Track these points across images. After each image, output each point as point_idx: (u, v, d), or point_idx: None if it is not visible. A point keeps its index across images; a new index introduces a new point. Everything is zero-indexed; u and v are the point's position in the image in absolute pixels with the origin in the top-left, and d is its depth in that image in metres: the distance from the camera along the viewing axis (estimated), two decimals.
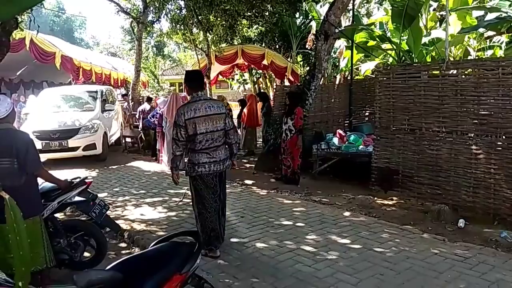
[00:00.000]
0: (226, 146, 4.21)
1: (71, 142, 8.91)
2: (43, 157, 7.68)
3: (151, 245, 2.47)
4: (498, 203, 5.02)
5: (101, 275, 1.87)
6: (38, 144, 8.03)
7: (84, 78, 13.31)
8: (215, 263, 3.99)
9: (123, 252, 4.49)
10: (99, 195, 6.24)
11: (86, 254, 4.07)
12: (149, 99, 11.71)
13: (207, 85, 14.81)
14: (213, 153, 4.06)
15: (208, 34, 12.83)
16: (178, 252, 2.35)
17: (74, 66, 12.85)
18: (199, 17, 12.03)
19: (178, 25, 12.82)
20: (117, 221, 4.92)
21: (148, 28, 13.57)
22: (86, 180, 3.95)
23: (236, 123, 12.48)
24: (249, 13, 11.38)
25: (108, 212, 4.21)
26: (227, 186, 6.94)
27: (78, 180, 3.90)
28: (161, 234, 4.70)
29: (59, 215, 4.63)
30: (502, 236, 4.56)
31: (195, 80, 4.17)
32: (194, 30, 13.60)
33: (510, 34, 9.50)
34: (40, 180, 3.45)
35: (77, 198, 3.86)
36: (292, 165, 7.26)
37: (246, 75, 21.47)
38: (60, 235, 3.78)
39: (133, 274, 2.04)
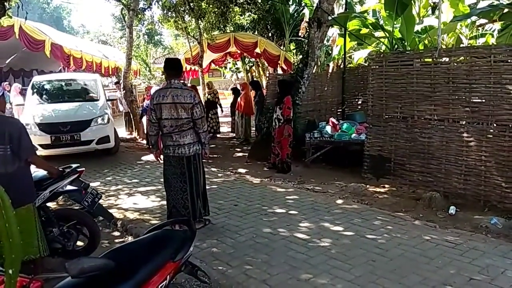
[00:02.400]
0: (194, 131, 4.36)
1: (84, 135, 8.05)
2: (53, 152, 7.67)
3: (144, 233, 2.47)
4: (488, 190, 5.08)
5: (94, 263, 1.86)
6: (46, 139, 7.75)
7: (74, 67, 13.14)
8: (208, 251, 4.01)
9: (117, 241, 4.49)
10: (91, 184, 6.22)
11: (79, 243, 4.06)
12: (117, 83, 11.69)
13: (200, 73, 14.73)
14: (177, 137, 4.29)
15: (200, 21, 12.70)
16: (171, 240, 2.35)
17: (64, 54, 12.65)
18: (191, 4, 11.89)
19: (169, 12, 12.67)
20: (110, 210, 4.93)
21: (139, 16, 13.38)
22: (78, 169, 3.92)
23: (229, 112, 12.47)
24: (241, 0, 11.26)
25: (101, 201, 4.20)
26: (220, 174, 7.06)
27: (70, 169, 3.87)
28: (154, 222, 4.71)
29: (51, 204, 4.62)
30: (492, 223, 4.63)
31: (171, 68, 4.38)
32: (186, 17, 13.45)
33: (502, 22, 9.50)
34: (32, 169, 3.41)
35: (69, 187, 3.83)
36: (280, 154, 7.27)
37: (239, 64, 21.37)
38: (52, 224, 3.77)
39: (126, 262, 2.04)
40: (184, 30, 13.30)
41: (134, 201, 5.70)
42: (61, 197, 4.94)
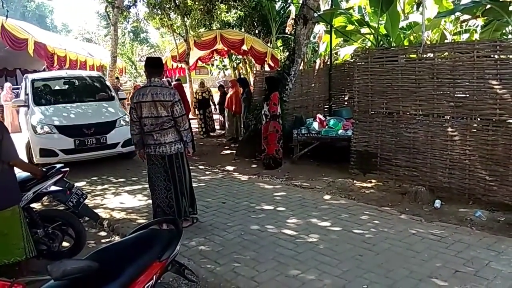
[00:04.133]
0: (176, 130, 4.34)
1: (110, 138, 7.34)
2: (77, 158, 7.09)
3: (129, 233, 2.45)
4: (473, 183, 5.15)
5: (77, 265, 1.83)
6: (69, 143, 6.97)
7: (58, 65, 12.94)
8: (196, 249, 3.99)
9: (103, 241, 4.45)
10: (77, 184, 6.15)
11: (64, 244, 4.02)
12: None
13: (187, 70, 14.65)
14: (157, 135, 4.27)
15: (186, 18, 12.61)
16: (157, 239, 2.33)
17: (48, 52, 12.48)
18: (177, 1, 11.80)
19: (155, 10, 12.56)
20: (96, 210, 4.88)
21: (125, 13, 13.24)
22: (62, 169, 3.86)
23: (218, 109, 12.41)
24: None
25: (86, 201, 4.15)
26: (207, 172, 7.03)
27: (54, 169, 3.82)
28: (141, 222, 4.67)
29: (36, 205, 4.55)
30: (476, 216, 4.71)
31: (152, 66, 4.38)
32: (172, 14, 13.34)
33: (485, 18, 9.63)
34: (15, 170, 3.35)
35: (53, 188, 3.78)
36: (267, 150, 7.30)
37: (226, 61, 21.29)
38: (37, 225, 3.72)
39: (110, 262, 2.02)
40: (170, 27, 13.20)
41: (120, 200, 5.65)
42: (45, 198, 4.88)
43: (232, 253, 3.89)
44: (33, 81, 8.42)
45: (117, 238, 4.47)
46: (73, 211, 3.91)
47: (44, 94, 8.44)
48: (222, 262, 3.72)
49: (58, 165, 3.93)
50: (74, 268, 1.80)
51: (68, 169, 3.98)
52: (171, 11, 12.88)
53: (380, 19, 9.19)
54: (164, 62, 15.28)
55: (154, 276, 2.20)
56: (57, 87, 9.20)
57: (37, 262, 3.65)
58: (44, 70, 15.45)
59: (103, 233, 4.72)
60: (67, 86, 9.16)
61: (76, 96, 8.57)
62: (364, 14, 11.96)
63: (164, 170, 4.36)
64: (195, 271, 3.42)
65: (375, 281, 3.30)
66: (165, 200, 4.41)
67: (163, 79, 6.76)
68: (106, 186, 6.38)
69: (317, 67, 13.06)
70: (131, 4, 12.87)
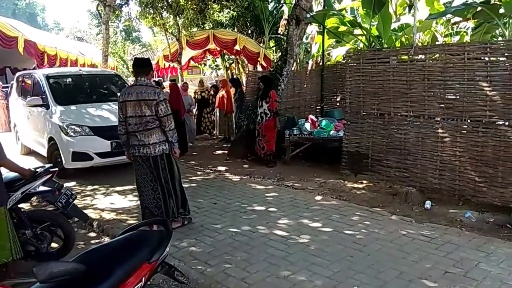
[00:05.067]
0: (161, 130, 4.25)
1: None
2: (112, 162, 6.63)
3: (119, 234, 2.42)
4: (462, 184, 5.19)
5: (63, 267, 1.81)
6: (105, 145, 6.51)
7: (48, 64, 12.80)
8: (187, 250, 3.97)
9: (93, 242, 4.40)
10: (67, 184, 6.10)
11: (53, 245, 3.97)
12: None
13: (179, 70, 14.58)
14: (141, 136, 4.20)
15: (178, 18, 12.55)
16: (147, 240, 2.31)
17: (38, 51, 12.33)
18: (169, 0, 11.74)
19: (147, 9, 12.48)
20: (86, 211, 4.85)
21: (116, 12, 13.14)
22: (51, 169, 3.82)
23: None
24: None
25: (76, 202, 4.11)
26: (199, 172, 7.00)
27: (42, 169, 3.77)
28: (131, 222, 4.63)
29: (25, 206, 4.49)
30: (466, 217, 4.75)
31: (138, 66, 4.36)
32: (164, 14, 13.27)
33: (476, 20, 9.72)
34: (2, 170, 3.31)
35: (42, 188, 3.74)
36: (266, 147, 7.40)
37: (219, 61, 21.23)
38: (25, 226, 3.66)
39: (98, 264, 1.99)
40: (162, 26, 13.13)
41: (111, 201, 5.60)
42: (34, 198, 4.82)
43: (223, 254, 3.88)
44: (47, 77, 7.53)
45: (107, 239, 4.42)
46: (62, 211, 3.86)
47: (64, 93, 7.62)
48: (213, 263, 3.70)
49: (46, 165, 3.88)
50: (60, 270, 1.77)
51: (57, 169, 3.94)
52: (163, 10, 12.80)
53: (372, 20, 9.23)
54: (156, 61, 15.32)
55: (143, 278, 2.17)
56: (74, 85, 8.19)
57: (24, 264, 3.60)
58: (34, 68, 15.28)
59: (92, 234, 4.67)
60: (86, 84, 8.30)
61: (98, 95, 7.94)
62: (357, 16, 12.02)
63: (150, 171, 4.31)
64: (186, 273, 3.42)
65: (365, 282, 3.31)
66: (153, 201, 4.36)
67: (152, 79, 6.72)
68: (96, 186, 6.32)
69: (309, 67, 13.09)
70: (123, 3, 12.77)
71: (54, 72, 8.24)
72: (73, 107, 7.07)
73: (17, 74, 9.46)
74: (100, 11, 12.05)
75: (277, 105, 7.41)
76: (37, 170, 3.74)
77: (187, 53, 15.11)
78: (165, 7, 12.34)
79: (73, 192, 4.11)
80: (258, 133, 7.53)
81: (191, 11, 11.67)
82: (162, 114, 4.16)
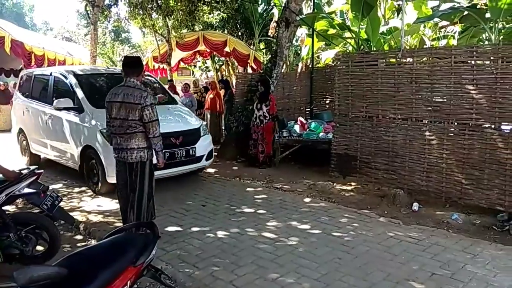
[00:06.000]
0: (143, 136, 4.01)
1: (198, 149, 6.15)
2: (164, 175, 5.48)
3: (104, 237, 2.39)
4: (449, 186, 5.24)
5: (44, 271, 1.77)
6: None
7: (36, 64, 12.65)
8: (175, 253, 3.94)
9: (79, 244, 4.35)
10: (52, 186, 6.02)
11: (39, 248, 3.90)
12: None
13: (168, 71, 14.51)
14: (121, 139, 4.00)
15: (167, 19, 12.50)
16: (132, 243, 2.28)
17: (25, 51, 12.19)
18: (158, 1, 11.69)
19: (136, 9, 12.40)
20: (72, 213, 4.78)
21: (105, 12, 13.04)
22: (36, 171, 3.76)
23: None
24: None
25: (62, 204, 4.05)
26: (188, 174, 6.94)
27: (27, 170, 3.71)
28: (118, 225, 4.57)
29: (10, 208, 4.42)
30: (453, 218, 4.80)
31: (129, 66, 4.12)
32: (154, 15, 13.20)
33: (463, 24, 9.87)
34: None
35: (27, 190, 3.68)
36: (266, 149, 7.45)
37: (209, 62, 21.19)
38: (9, 228, 3.59)
39: (82, 268, 1.96)
40: (152, 27, 13.06)
41: (98, 203, 5.53)
42: (20, 200, 4.75)
43: (211, 256, 3.85)
44: (77, 76, 6.54)
45: (93, 242, 4.36)
46: (48, 214, 3.80)
47: (98, 94, 6.40)
48: (201, 266, 3.67)
49: (32, 167, 3.82)
50: (41, 274, 1.74)
51: (42, 171, 3.88)
52: (153, 11, 12.74)
53: (361, 23, 9.32)
54: (145, 62, 15.21)
55: (129, 282, 2.14)
56: (108, 86, 6.88)
57: (9, 267, 3.54)
58: (21, 69, 15.09)
59: (79, 237, 4.61)
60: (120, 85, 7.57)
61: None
62: (346, 19, 12.10)
63: (126, 177, 4.07)
64: (173, 276, 3.40)
65: (353, 284, 3.32)
66: (126, 207, 4.12)
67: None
68: (83, 188, 6.24)
69: (299, 70, 13.14)
70: (112, 3, 12.70)
71: (84, 71, 7.13)
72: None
73: (23, 72, 8.46)
74: (88, 12, 11.95)
75: (276, 109, 7.49)
76: (22, 172, 3.68)
77: (177, 55, 15.05)
78: (154, 8, 12.28)
79: (59, 194, 4.05)
80: (256, 136, 7.51)
81: (180, 12, 11.62)
82: (147, 119, 3.92)
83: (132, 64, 4.15)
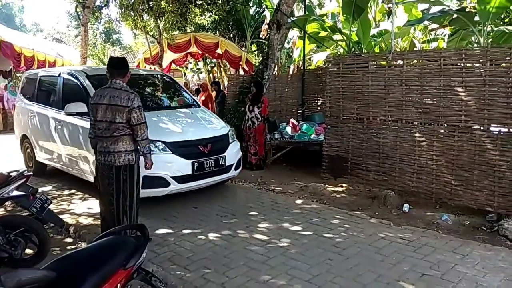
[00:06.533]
0: (130, 139, 3.92)
1: (228, 157, 5.62)
2: (191, 187, 5.29)
3: (93, 240, 2.37)
4: (439, 187, 5.28)
5: (32, 275, 1.75)
6: (186, 167, 5.13)
7: (25, 66, 12.54)
8: (166, 255, 3.92)
9: (69, 247, 4.30)
10: (42, 189, 5.98)
11: (28, 251, 3.87)
12: None
13: None
14: (108, 143, 3.88)
15: (159, 20, 12.45)
16: (122, 246, 2.26)
17: (14, 52, 12.11)
18: (150, 3, 11.63)
19: (127, 11, 12.33)
20: (62, 216, 4.74)
21: (96, 13, 12.96)
22: (25, 173, 3.73)
23: None
24: (200, 1, 11.16)
25: (52, 206, 4.03)
26: None
27: (16, 173, 3.68)
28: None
29: None
30: (443, 219, 4.84)
31: (114, 67, 4.02)
32: (145, 16, 13.14)
33: (452, 27, 9.98)
34: None
35: (16, 193, 3.65)
36: (259, 152, 7.48)
37: (200, 64, 21.16)
38: None
39: (70, 271, 1.94)
40: (143, 29, 13.00)
41: (88, 205, 5.49)
42: (8, 203, 4.70)
43: (203, 259, 3.85)
44: (90, 78, 5.84)
45: (83, 245, 4.33)
46: (37, 217, 3.77)
47: None
48: (192, 268, 3.66)
49: (20, 169, 3.79)
50: (30, 278, 1.72)
51: (31, 173, 3.85)
52: (144, 12, 12.69)
53: (352, 26, 9.37)
54: (137, 64, 15.15)
55: (119, 285, 2.13)
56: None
57: None
58: (10, 70, 14.95)
59: (69, 240, 4.57)
60: (140, 87, 6.48)
61: (159, 101, 6.52)
62: (337, 21, 12.17)
63: (109, 182, 3.92)
64: (164, 278, 3.38)
65: (344, 285, 3.33)
66: (110, 214, 4.01)
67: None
68: (73, 191, 6.19)
69: (291, 72, 13.17)
70: (102, 5, 12.60)
71: (97, 71, 6.38)
72: None
73: (26, 73, 7.92)
74: (79, 13, 11.87)
75: (268, 111, 7.50)
76: (11, 174, 3.65)
77: (169, 56, 15.00)
78: (146, 10, 12.22)
79: (49, 197, 4.01)
80: (249, 138, 7.51)
81: (172, 14, 11.59)
82: (135, 122, 3.84)
83: (118, 65, 4.05)
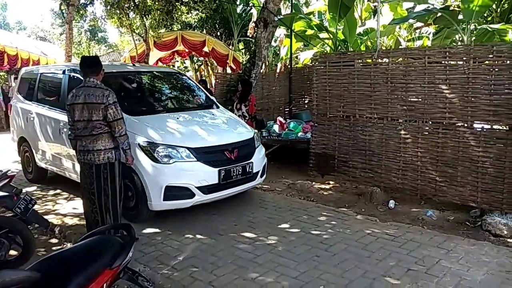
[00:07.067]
0: (109, 137, 3.92)
1: (255, 164, 5.15)
2: (216, 197, 4.86)
3: (79, 240, 2.35)
4: (424, 184, 5.36)
5: (16, 276, 1.73)
6: (213, 175, 4.66)
7: (8, 64, 12.32)
8: (153, 255, 3.90)
9: (54, 248, 4.25)
10: (27, 189, 5.89)
11: (13, 252, 3.81)
12: None
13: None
14: (86, 141, 3.88)
15: (145, 18, 12.35)
16: (108, 246, 2.24)
17: None
18: (136, 1, 11.53)
19: (113, 9, 12.20)
20: (47, 216, 4.69)
21: (81, 11, 12.80)
22: (9, 174, 3.67)
23: None
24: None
25: (36, 207, 3.97)
26: None
27: None
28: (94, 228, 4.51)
29: None
30: (428, 215, 4.92)
31: (86, 65, 4.01)
32: (131, 14, 13.02)
33: (436, 26, 10.11)
34: None
35: None
36: None
37: (187, 62, 21.06)
38: None
39: (55, 272, 1.92)
40: (129, 27, 12.88)
41: (73, 205, 5.42)
42: None
43: (190, 257, 3.83)
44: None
45: (69, 245, 4.28)
46: (21, 217, 3.72)
47: (128, 98, 5.41)
48: (180, 267, 3.65)
49: (4, 169, 3.73)
50: (14, 279, 1.69)
51: (15, 173, 3.79)
52: (130, 10, 12.57)
53: (339, 24, 9.44)
54: (123, 61, 15.00)
55: (105, 285, 2.12)
56: (138, 87, 5.89)
57: None
58: None
59: (54, 240, 4.52)
60: (155, 86, 6.17)
61: (177, 102, 6.04)
62: (324, 20, 12.23)
63: (90, 181, 3.93)
64: (151, 278, 3.36)
65: (331, 281, 3.36)
66: (91, 214, 4.02)
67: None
68: (58, 191, 6.11)
69: (278, 70, 13.21)
70: (87, 2, 12.43)
71: (108, 68, 5.34)
72: (151, 119, 4.99)
73: (23, 70, 7.37)
74: (63, 11, 11.69)
75: (255, 109, 7.48)
76: None
77: (155, 54, 14.91)
78: (131, 8, 12.11)
79: (33, 198, 3.96)
80: None
81: (158, 12, 11.51)
82: (112, 118, 3.82)
83: (91, 63, 4.03)
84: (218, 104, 6.18)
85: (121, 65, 7.87)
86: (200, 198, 4.63)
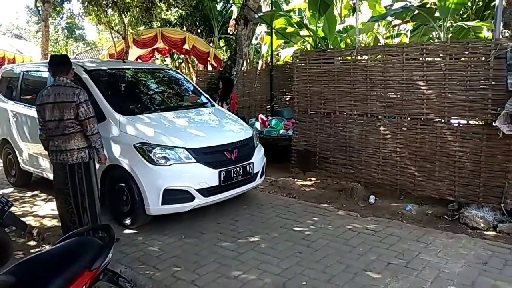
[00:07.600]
0: (82, 136, 3.88)
1: (255, 164, 5.07)
2: (216, 200, 4.70)
3: (57, 241, 2.30)
4: (403, 179, 5.45)
5: None
6: (213, 177, 4.49)
7: None
8: (134, 255, 3.86)
9: (33, 251, 4.17)
10: (3, 191, 5.75)
11: None
12: None
13: None
14: (59, 141, 3.83)
15: (123, 16, 12.17)
16: (87, 247, 2.21)
17: None
18: None
19: (90, 6, 11.97)
20: (25, 218, 4.60)
21: (57, 8, 12.51)
22: None
23: None
24: None
25: (13, 209, 3.85)
26: None
27: None
28: (72, 229, 4.43)
29: None
30: (407, 209, 5.01)
31: (57, 64, 3.94)
32: (109, 11, 12.81)
33: (414, 23, 10.28)
34: None
35: None
36: None
37: (168, 60, 20.86)
38: None
39: (32, 275, 1.88)
40: (107, 24, 12.66)
41: (52, 207, 5.30)
42: None
43: (172, 257, 3.81)
44: (90, 72, 5.05)
45: (47, 247, 4.18)
46: None
47: (120, 96, 5.31)
48: (162, 267, 3.62)
49: None
50: None
51: None
52: (108, 7, 12.35)
53: (319, 22, 9.50)
54: (101, 59, 14.74)
55: (84, 287, 2.08)
56: (129, 85, 5.70)
57: None
58: None
59: (32, 243, 4.42)
60: (145, 83, 5.94)
61: (169, 100, 5.82)
62: (304, 17, 12.28)
63: (64, 181, 3.87)
64: (133, 279, 3.33)
65: (313, 277, 3.39)
66: (67, 214, 3.95)
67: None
68: (36, 192, 5.98)
69: (259, 68, 13.21)
70: None
71: (98, 65, 5.66)
72: (146, 118, 4.78)
73: (3, 68, 7.08)
74: (39, 8, 11.41)
75: (237, 107, 7.50)
76: None
77: (134, 52, 14.70)
78: (110, 4, 11.90)
79: (9, 199, 3.84)
80: None
81: (137, 9, 11.35)
82: (83, 117, 3.78)
83: (60, 62, 3.97)
84: (213, 102, 6.06)
85: (109, 61, 7.61)
86: (200, 201, 4.48)
